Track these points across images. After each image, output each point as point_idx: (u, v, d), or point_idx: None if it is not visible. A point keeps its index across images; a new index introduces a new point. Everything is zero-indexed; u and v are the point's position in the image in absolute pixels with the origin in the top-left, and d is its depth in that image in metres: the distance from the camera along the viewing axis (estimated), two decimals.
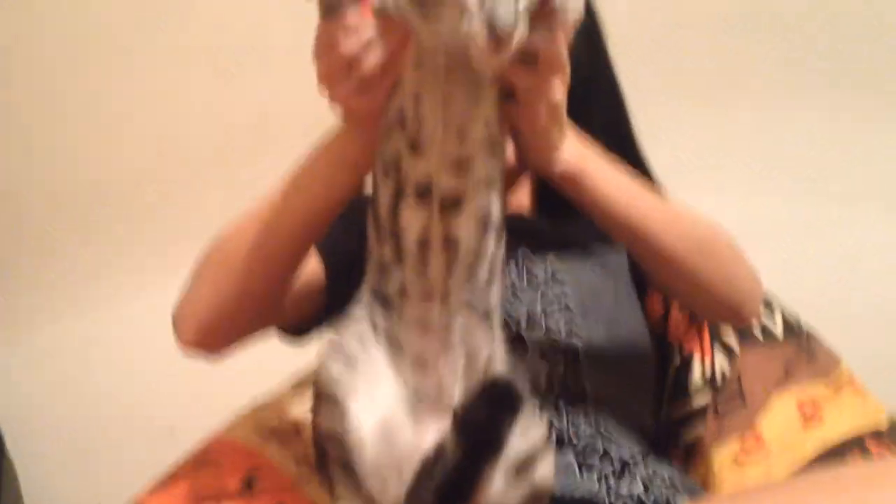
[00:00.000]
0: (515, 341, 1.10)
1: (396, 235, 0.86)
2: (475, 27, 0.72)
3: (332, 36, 0.82)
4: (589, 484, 1.01)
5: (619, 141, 1.26)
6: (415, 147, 0.83)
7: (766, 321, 1.39)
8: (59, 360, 1.85)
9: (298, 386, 1.35)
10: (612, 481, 1.02)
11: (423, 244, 0.85)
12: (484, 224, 0.87)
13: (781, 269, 1.68)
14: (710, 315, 1.23)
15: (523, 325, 1.13)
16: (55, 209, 1.82)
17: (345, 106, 0.88)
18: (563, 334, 1.13)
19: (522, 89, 0.86)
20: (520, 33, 0.73)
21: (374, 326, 0.90)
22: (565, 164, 0.94)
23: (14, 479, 1.82)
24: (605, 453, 1.05)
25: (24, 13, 1.76)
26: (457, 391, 0.88)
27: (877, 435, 1.20)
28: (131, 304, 1.83)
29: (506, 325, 1.10)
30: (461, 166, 0.84)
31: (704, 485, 1.20)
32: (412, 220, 0.85)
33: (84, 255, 1.83)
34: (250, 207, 1.02)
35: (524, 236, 1.19)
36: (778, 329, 1.38)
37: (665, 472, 1.08)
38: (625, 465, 1.05)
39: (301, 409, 1.28)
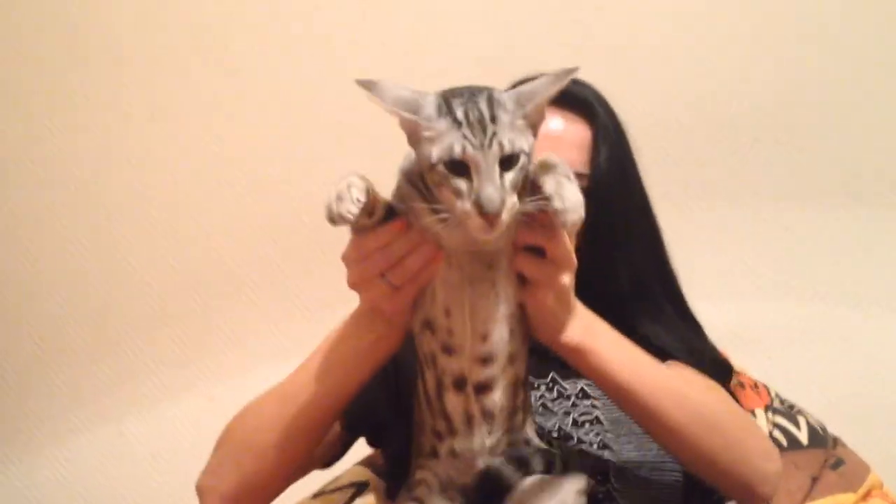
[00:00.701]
0: (546, 451, 1.11)
1: (446, 416, 0.96)
2: (467, 207, 0.82)
3: (365, 249, 0.91)
4: None
5: (657, 267, 1.30)
6: (447, 350, 0.93)
7: (791, 428, 1.38)
8: (84, 471, 1.84)
9: (318, 496, 1.34)
10: None
11: (468, 420, 0.95)
12: (514, 387, 0.96)
13: (806, 375, 1.68)
14: (723, 490, 1.17)
15: (554, 435, 1.14)
16: (82, 327, 1.85)
17: (374, 307, 0.96)
18: (595, 446, 1.13)
19: (531, 278, 0.92)
20: (508, 209, 0.82)
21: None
22: (568, 341, 0.97)
23: None
24: None
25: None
26: None
27: None
28: (156, 413, 1.85)
29: (540, 435, 1.11)
30: (487, 360, 0.94)
31: None
32: (455, 404, 0.95)
33: (108, 367, 1.85)
34: (277, 387, 1.08)
35: (556, 359, 1.19)
36: (803, 436, 1.36)
37: None
38: None
39: None
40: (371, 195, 0.86)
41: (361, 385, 1.03)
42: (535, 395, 1.17)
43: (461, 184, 0.83)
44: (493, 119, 0.83)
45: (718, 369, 1.27)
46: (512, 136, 0.83)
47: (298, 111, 1.82)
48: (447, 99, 0.85)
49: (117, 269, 1.85)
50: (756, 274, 1.73)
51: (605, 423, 1.16)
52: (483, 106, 0.84)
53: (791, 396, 1.49)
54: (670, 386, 1.03)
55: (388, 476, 1.27)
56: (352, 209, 0.83)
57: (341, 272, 1.77)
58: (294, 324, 1.82)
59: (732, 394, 1.26)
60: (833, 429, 1.44)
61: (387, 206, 0.90)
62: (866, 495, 1.30)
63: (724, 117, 1.74)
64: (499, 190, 0.82)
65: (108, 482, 1.85)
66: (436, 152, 0.83)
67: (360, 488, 1.32)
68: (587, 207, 1.17)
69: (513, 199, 0.83)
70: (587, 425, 1.15)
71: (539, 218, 0.87)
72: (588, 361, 0.99)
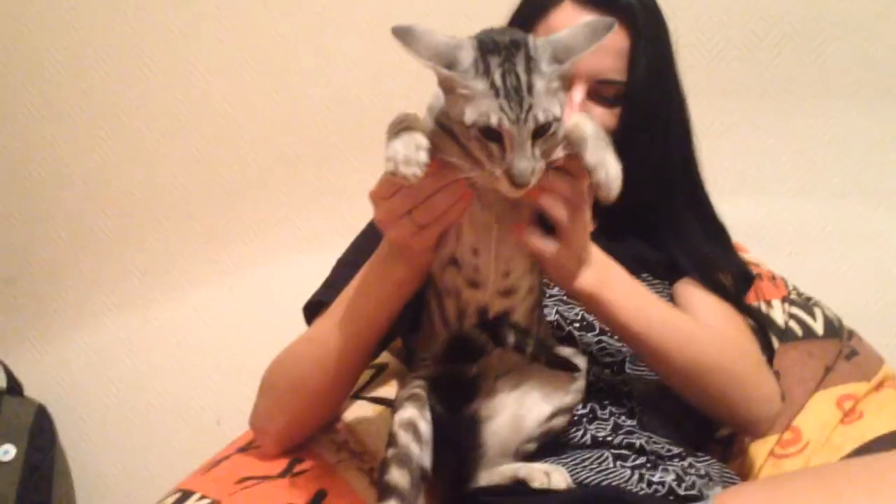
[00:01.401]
0: (566, 340, 1.13)
1: None
2: (497, 173, 0.84)
3: (395, 186, 0.91)
4: (621, 472, 1.03)
5: (687, 176, 1.29)
6: (473, 285, 0.97)
7: (807, 318, 1.39)
8: (110, 354, 1.90)
9: None
10: (644, 471, 1.04)
11: None
12: (531, 310, 1.01)
13: (827, 272, 1.68)
14: (724, 423, 1.24)
15: (576, 325, 1.16)
16: (108, 215, 1.88)
17: (401, 243, 0.97)
18: (616, 337, 1.15)
19: (554, 217, 0.94)
20: (538, 175, 0.85)
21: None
22: (581, 287, 1.01)
23: (65, 466, 1.87)
24: (641, 448, 1.07)
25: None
26: None
27: None
28: (179, 301, 1.88)
29: (559, 325, 1.15)
30: (509, 292, 0.98)
31: (743, 478, 1.19)
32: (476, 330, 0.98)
33: (133, 255, 1.89)
34: (309, 332, 1.15)
35: None
36: (818, 326, 1.37)
37: (703, 466, 1.09)
38: (660, 458, 1.07)
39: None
40: None
41: (390, 323, 1.07)
42: None
43: (494, 148, 0.84)
44: (530, 88, 0.83)
45: (738, 280, 1.29)
46: (547, 106, 0.83)
47: (327, 10, 1.79)
48: (484, 54, 0.84)
49: (141, 160, 1.87)
50: (781, 170, 1.71)
51: None
52: (521, 69, 0.83)
53: (810, 292, 1.49)
54: (677, 330, 1.08)
55: (408, 362, 1.30)
56: (417, 173, 0.84)
57: (360, 166, 1.78)
58: (313, 215, 1.83)
59: (749, 307, 1.28)
60: (850, 324, 1.45)
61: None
62: (878, 386, 1.32)
63: (752, 12, 1.69)
64: (530, 161, 0.83)
65: (135, 366, 1.90)
66: (470, 115, 0.83)
67: (378, 370, 1.35)
68: (621, 114, 1.18)
69: (542, 165, 0.85)
70: None
71: (562, 165, 0.91)
72: (600, 308, 1.04)
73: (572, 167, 0.91)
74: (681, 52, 1.28)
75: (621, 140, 1.18)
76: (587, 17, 1.18)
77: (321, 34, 1.79)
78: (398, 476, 0.91)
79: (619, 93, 1.20)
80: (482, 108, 0.82)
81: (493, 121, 0.82)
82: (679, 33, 1.27)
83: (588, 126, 0.89)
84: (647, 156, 1.20)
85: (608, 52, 1.19)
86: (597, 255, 1.03)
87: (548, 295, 1.17)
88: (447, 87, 0.86)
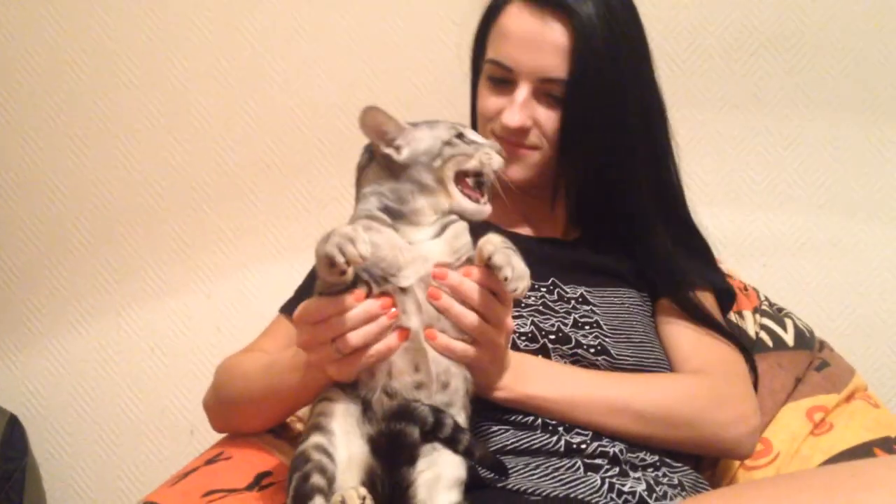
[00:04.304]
0: (541, 351, 1.14)
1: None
2: (486, 150, 1.04)
3: (324, 313, 0.96)
4: (591, 482, 1.04)
5: (660, 179, 1.28)
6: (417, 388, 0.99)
7: (777, 329, 1.39)
8: (83, 363, 1.88)
9: None
10: (614, 480, 1.04)
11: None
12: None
13: (799, 283, 1.69)
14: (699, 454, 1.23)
15: (552, 337, 1.15)
16: (83, 221, 1.87)
17: (319, 368, 1.01)
18: (593, 350, 1.15)
19: (475, 336, 1.00)
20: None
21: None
22: (500, 396, 1.07)
23: (37, 476, 1.86)
24: (615, 457, 1.07)
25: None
26: None
27: (885, 441, 1.19)
28: (154, 308, 1.87)
29: (534, 337, 1.15)
30: (449, 406, 1.00)
31: (715, 487, 1.19)
32: None
33: (108, 262, 1.87)
34: (262, 362, 1.19)
35: (556, 265, 1.21)
36: (789, 337, 1.38)
37: (677, 475, 1.10)
38: (633, 467, 1.07)
39: None
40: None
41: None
42: (535, 295, 1.18)
43: (476, 138, 1.05)
44: None
45: (721, 297, 1.30)
46: None
47: (304, 18, 1.79)
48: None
49: (117, 166, 1.86)
50: (754, 181, 1.72)
51: (604, 327, 1.17)
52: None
53: (783, 303, 1.50)
54: (608, 401, 1.10)
55: None
56: (365, 251, 0.90)
57: (337, 173, 1.78)
58: (290, 223, 1.82)
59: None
60: (822, 335, 1.45)
61: (354, 273, 0.96)
62: (849, 397, 1.32)
63: (726, 23, 1.70)
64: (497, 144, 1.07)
65: (108, 375, 1.88)
66: (445, 133, 1.03)
67: None
68: (563, 117, 1.19)
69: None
70: (587, 328, 1.17)
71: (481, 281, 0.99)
72: (524, 406, 1.08)
73: (491, 284, 0.98)
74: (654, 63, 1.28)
75: (562, 142, 1.20)
76: (529, 16, 1.19)
77: (298, 42, 1.79)
78: (321, 481, 0.93)
79: (559, 93, 1.19)
80: (447, 125, 1.04)
81: (459, 127, 1.04)
82: (650, 43, 1.27)
83: (496, 238, 0.98)
84: (616, 161, 1.21)
85: (546, 49, 1.17)
86: (511, 357, 1.08)
87: (523, 305, 1.17)
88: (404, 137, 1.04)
